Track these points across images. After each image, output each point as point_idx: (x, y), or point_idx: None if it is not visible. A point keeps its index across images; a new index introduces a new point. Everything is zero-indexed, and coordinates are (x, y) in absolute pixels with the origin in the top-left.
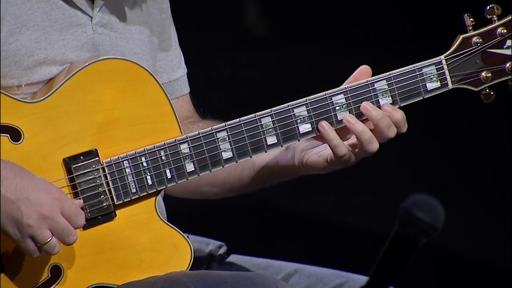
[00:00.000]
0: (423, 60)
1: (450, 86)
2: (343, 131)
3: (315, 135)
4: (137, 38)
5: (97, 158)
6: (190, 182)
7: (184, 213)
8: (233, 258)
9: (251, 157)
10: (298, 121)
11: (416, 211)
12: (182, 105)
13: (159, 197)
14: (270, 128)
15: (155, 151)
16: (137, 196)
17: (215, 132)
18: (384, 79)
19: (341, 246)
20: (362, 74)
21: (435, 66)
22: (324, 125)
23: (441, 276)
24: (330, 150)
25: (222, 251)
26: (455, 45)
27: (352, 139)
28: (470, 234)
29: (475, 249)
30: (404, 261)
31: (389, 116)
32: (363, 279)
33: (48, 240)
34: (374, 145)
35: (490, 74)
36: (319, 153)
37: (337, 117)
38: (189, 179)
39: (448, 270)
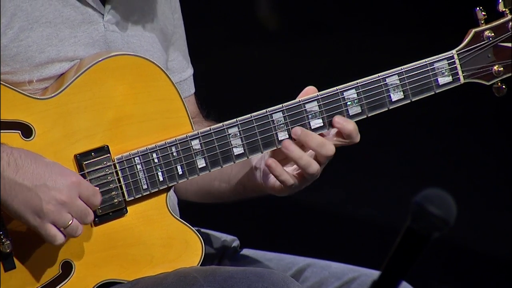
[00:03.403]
0: (435, 54)
1: (462, 80)
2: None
3: (326, 130)
4: (149, 36)
5: (108, 155)
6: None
7: (196, 208)
8: (245, 252)
9: (262, 152)
10: (310, 116)
11: (428, 205)
12: (188, 105)
13: (171, 193)
14: (282, 124)
15: (166, 147)
16: (148, 192)
17: (226, 128)
18: (396, 73)
19: (354, 240)
20: (306, 94)
21: (447, 61)
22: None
23: (445, 267)
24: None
25: (234, 245)
26: (467, 39)
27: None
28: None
29: (482, 242)
30: (416, 255)
31: (340, 128)
32: (376, 273)
33: (70, 222)
34: (314, 167)
35: (502, 68)
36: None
37: (348, 112)
38: (200, 175)
39: (452, 261)
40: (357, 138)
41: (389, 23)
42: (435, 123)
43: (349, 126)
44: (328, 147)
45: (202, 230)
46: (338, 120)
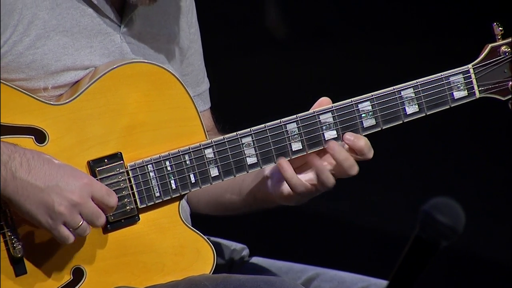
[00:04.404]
0: (450, 68)
1: (478, 95)
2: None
3: (341, 141)
4: (165, 48)
5: (121, 162)
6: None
7: (206, 216)
8: (255, 260)
9: (275, 162)
10: (324, 127)
11: (437, 214)
12: (203, 120)
13: (183, 202)
14: (296, 134)
15: (179, 155)
16: (161, 200)
17: (240, 137)
18: (411, 87)
19: (363, 249)
20: (320, 105)
21: (463, 75)
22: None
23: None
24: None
25: (244, 253)
26: (483, 54)
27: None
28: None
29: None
30: (425, 264)
31: (351, 145)
32: (385, 283)
33: (80, 224)
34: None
35: None
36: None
37: (362, 125)
38: (213, 183)
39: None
40: (369, 153)
41: (401, 34)
42: (443, 133)
43: (360, 142)
44: (355, 167)
45: (212, 238)
46: (349, 137)
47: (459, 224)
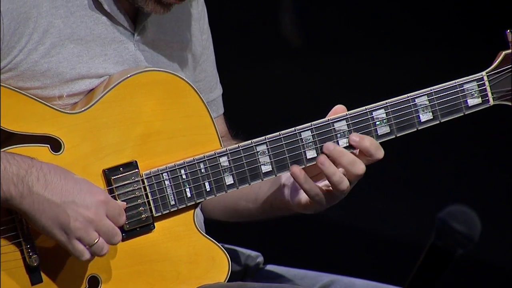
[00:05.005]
0: (463, 75)
1: (492, 102)
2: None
3: (354, 149)
4: (178, 56)
5: (136, 170)
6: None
7: (221, 223)
8: (269, 268)
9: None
10: (338, 135)
11: (453, 222)
12: (216, 125)
13: (198, 210)
14: (310, 142)
15: (194, 163)
16: (176, 209)
17: (254, 145)
18: (425, 94)
19: (378, 256)
20: (335, 113)
21: (477, 82)
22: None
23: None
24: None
25: (258, 261)
26: (497, 61)
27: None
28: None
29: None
30: (441, 272)
31: (356, 146)
32: None
33: (96, 241)
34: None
35: None
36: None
37: (377, 132)
38: (228, 191)
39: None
40: (378, 153)
41: (414, 42)
42: (456, 141)
43: (365, 143)
44: (359, 165)
45: (226, 245)
46: (354, 138)
47: (475, 232)
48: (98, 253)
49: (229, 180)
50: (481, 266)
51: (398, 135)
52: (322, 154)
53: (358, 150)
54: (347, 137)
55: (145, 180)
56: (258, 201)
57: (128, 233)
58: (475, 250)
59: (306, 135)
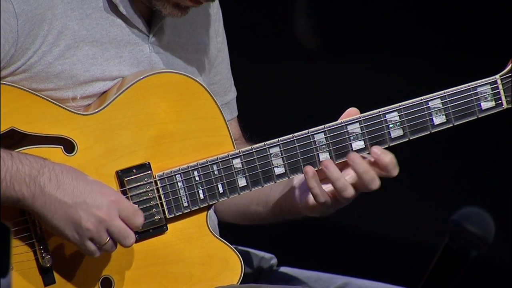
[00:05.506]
0: (476, 79)
1: (505, 105)
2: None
3: (368, 152)
4: (193, 58)
5: (149, 171)
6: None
7: (234, 225)
8: (283, 270)
9: (303, 173)
10: (351, 138)
11: (466, 224)
12: (230, 128)
13: (211, 211)
14: (323, 145)
15: (207, 165)
16: (189, 210)
17: (268, 147)
18: (439, 97)
19: (391, 259)
20: (348, 116)
21: (490, 86)
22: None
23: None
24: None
25: (272, 263)
26: (510, 65)
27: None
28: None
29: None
30: (454, 274)
31: (377, 159)
32: None
33: (106, 241)
34: (350, 192)
35: None
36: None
37: (390, 135)
38: (241, 194)
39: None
40: (393, 171)
41: (428, 46)
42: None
43: (386, 158)
44: (376, 182)
45: (240, 247)
46: (376, 150)
47: (489, 234)
48: (108, 251)
49: (242, 182)
50: (494, 268)
51: (411, 138)
52: (327, 159)
53: (374, 160)
54: (361, 140)
55: (158, 182)
56: (268, 204)
57: (141, 234)
58: (488, 253)
59: (319, 137)
